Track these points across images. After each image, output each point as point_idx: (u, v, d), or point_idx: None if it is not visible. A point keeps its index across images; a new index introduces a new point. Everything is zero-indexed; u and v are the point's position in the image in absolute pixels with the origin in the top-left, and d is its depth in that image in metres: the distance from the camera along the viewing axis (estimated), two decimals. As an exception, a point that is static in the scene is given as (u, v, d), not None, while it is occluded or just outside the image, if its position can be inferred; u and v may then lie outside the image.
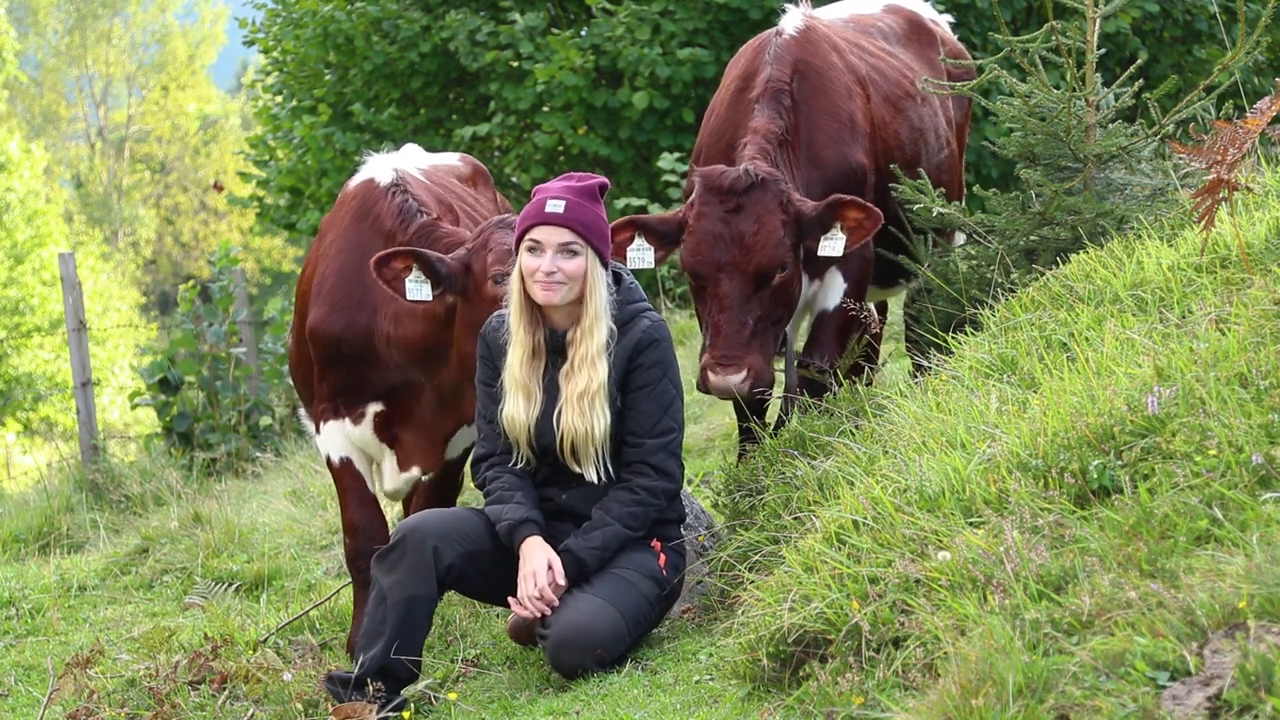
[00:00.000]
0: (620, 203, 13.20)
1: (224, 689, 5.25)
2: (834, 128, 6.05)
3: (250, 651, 5.62)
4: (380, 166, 5.75)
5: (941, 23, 7.27)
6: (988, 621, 3.42)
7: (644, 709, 4.40)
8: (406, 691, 4.89)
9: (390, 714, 4.76)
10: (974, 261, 6.09)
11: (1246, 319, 4.25)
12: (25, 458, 20.97)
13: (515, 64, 14.42)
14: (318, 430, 5.78)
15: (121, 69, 44.00)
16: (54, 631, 6.75)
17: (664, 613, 5.11)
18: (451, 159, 6.49)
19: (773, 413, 6.24)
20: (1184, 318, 4.60)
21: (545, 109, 14.38)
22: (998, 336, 5.16)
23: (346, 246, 5.63)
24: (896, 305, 8.60)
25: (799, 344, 6.22)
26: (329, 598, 6.32)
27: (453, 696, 4.91)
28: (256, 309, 15.18)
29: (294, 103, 15.96)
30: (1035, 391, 4.56)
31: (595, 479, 5.02)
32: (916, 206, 6.04)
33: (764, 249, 5.58)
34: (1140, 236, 5.39)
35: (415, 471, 5.70)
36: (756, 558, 4.80)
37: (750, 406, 5.92)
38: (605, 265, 4.97)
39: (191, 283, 13.08)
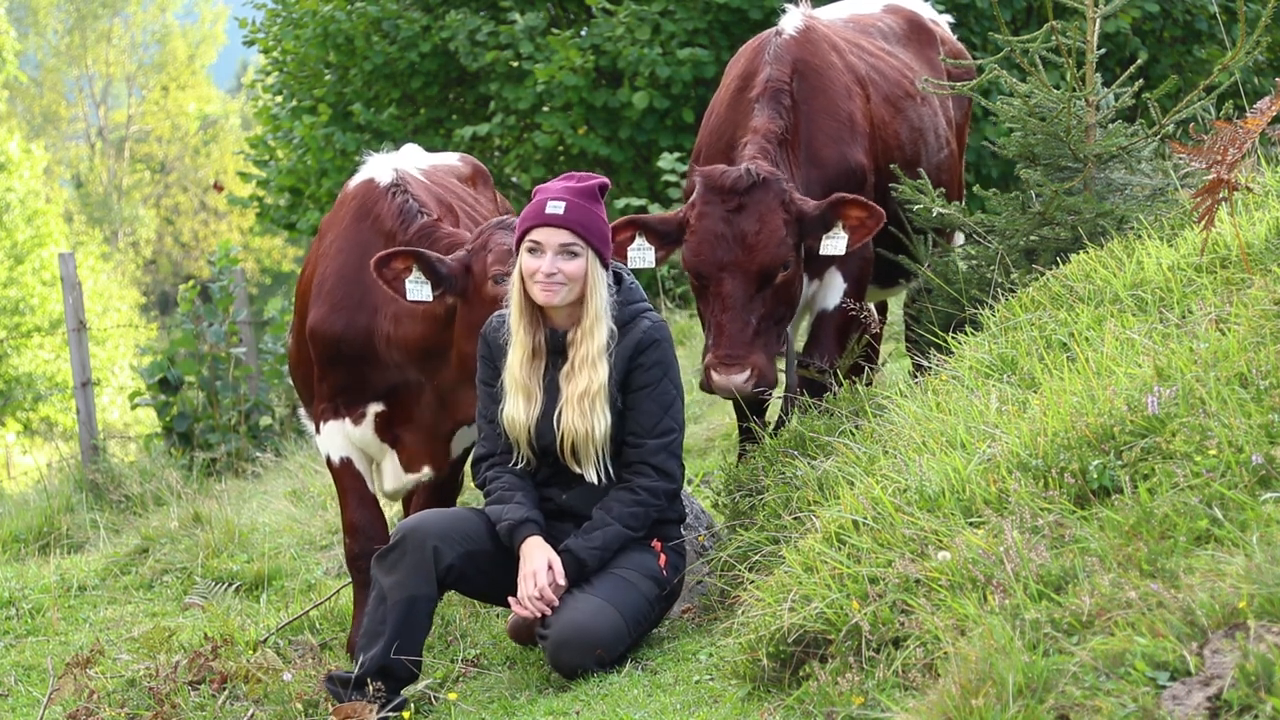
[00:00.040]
0: (620, 203, 13.20)
1: (224, 689, 5.24)
2: (833, 127, 6.05)
3: (250, 651, 5.62)
4: (380, 166, 5.74)
5: (941, 23, 7.27)
6: (988, 621, 3.42)
7: (644, 709, 4.40)
8: (406, 691, 4.89)
9: (390, 714, 4.76)
10: (974, 261, 6.09)
11: (1246, 319, 4.25)
12: (25, 458, 20.97)
13: (515, 64, 14.43)
14: (318, 430, 5.77)
15: (121, 69, 44.00)
16: (54, 631, 6.75)
17: (664, 613, 5.11)
18: (451, 159, 6.48)
19: (773, 413, 6.24)
20: (1184, 318, 4.60)
21: (545, 109, 14.38)
22: (998, 336, 5.16)
23: (346, 246, 5.63)
24: (896, 305, 8.60)
25: (799, 344, 6.22)
26: (329, 598, 6.32)
27: (453, 696, 4.91)
28: (256, 309, 15.18)
29: (294, 103, 15.97)
30: (1035, 391, 4.56)
31: (595, 480, 5.02)
32: (916, 206, 6.04)
33: (767, 248, 5.59)
34: (1140, 236, 5.39)
35: (427, 470, 5.71)
36: (756, 558, 4.80)
37: (750, 406, 5.92)
38: (606, 266, 4.97)
39: (191, 283, 13.08)
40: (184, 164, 44.17)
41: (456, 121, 15.26)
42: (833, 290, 6.05)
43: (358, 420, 5.67)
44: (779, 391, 6.09)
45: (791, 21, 6.26)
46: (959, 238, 6.56)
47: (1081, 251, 5.45)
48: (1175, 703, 3.04)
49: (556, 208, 4.87)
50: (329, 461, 5.77)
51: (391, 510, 6.98)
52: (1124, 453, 3.87)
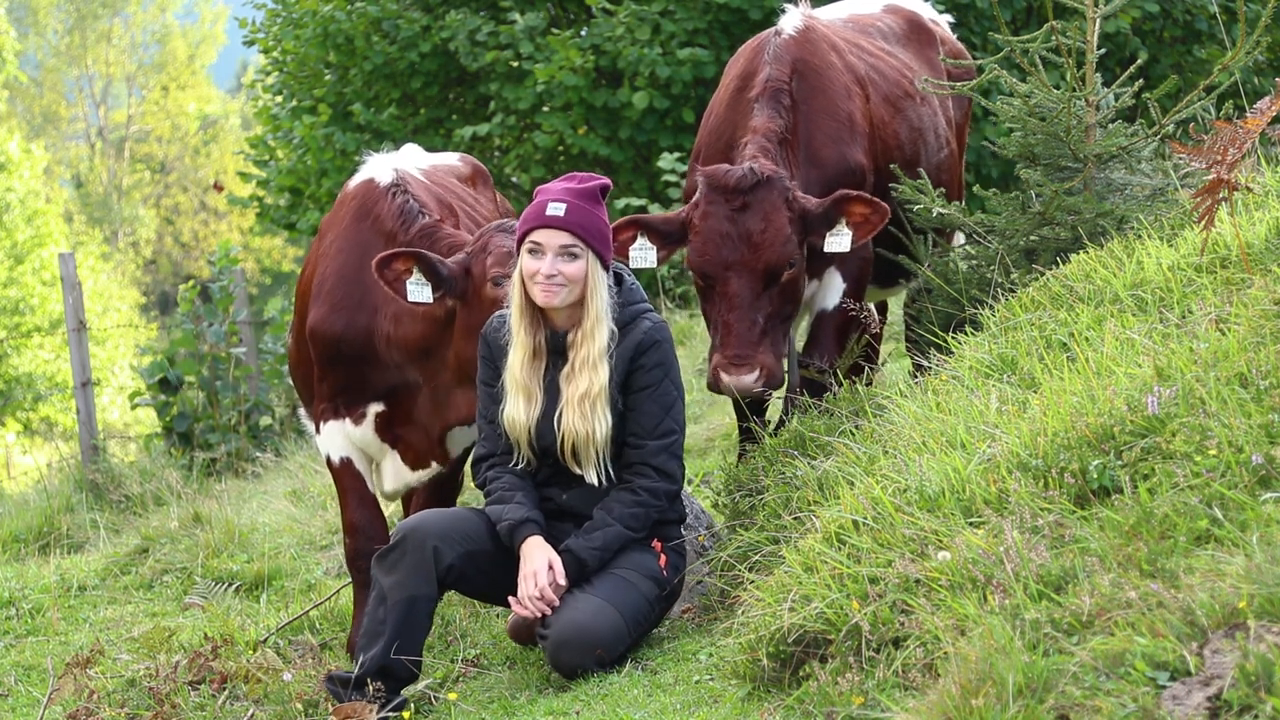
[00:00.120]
0: (620, 203, 13.20)
1: (224, 689, 5.24)
2: (833, 127, 6.05)
3: (250, 651, 5.62)
4: (380, 167, 5.74)
5: (941, 23, 7.27)
6: (988, 621, 3.42)
7: (644, 709, 4.40)
8: (406, 691, 4.89)
9: (390, 714, 4.76)
10: (974, 261, 6.09)
11: (1246, 319, 4.25)
12: (25, 458, 20.97)
13: (515, 64, 14.42)
14: (318, 430, 5.77)
15: (121, 69, 44.00)
16: (54, 631, 6.75)
17: (664, 613, 5.11)
18: (451, 159, 6.48)
19: (773, 413, 6.23)
20: (1184, 318, 4.60)
21: (545, 109, 14.38)
22: (998, 336, 5.16)
23: (347, 246, 5.63)
24: (896, 305, 8.60)
25: (799, 344, 6.22)
26: (329, 598, 6.32)
27: (453, 696, 4.91)
28: (256, 309, 15.17)
29: (294, 103, 15.96)
30: (1035, 391, 4.55)
31: (596, 481, 5.02)
32: (916, 207, 6.04)
33: (772, 246, 5.59)
34: (1140, 236, 5.39)
35: (435, 466, 5.72)
36: (756, 558, 4.80)
37: (750, 406, 5.92)
38: (606, 268, 4.97)
39: (191, 283, 13.08)
40: (184, 164, 44.18)
41: (456, 121, 15.26)
42: (832, 290, 6.05)
43: (358, 420, 5.67)
44: (780, 392, 6.09)
45: (791, 21, 6.26)
46: (959, 238, 6.56)
47: (1081, 251, 5.45)
48: (1175, 703, 3.04)
49: (557, 209, 4.87)
50: (329, 461, 5.77)
51: (390, 510, 6.98)
52: (1124, 453, 3.87)
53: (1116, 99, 6.02)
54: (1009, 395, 4.63)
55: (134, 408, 13.35)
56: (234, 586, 7.04)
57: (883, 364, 7.59)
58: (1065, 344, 4.83)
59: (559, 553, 4.93)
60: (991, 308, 5.42)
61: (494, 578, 5.01)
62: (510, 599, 4.93)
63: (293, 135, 15.91)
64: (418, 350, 5.50)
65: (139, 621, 6.73)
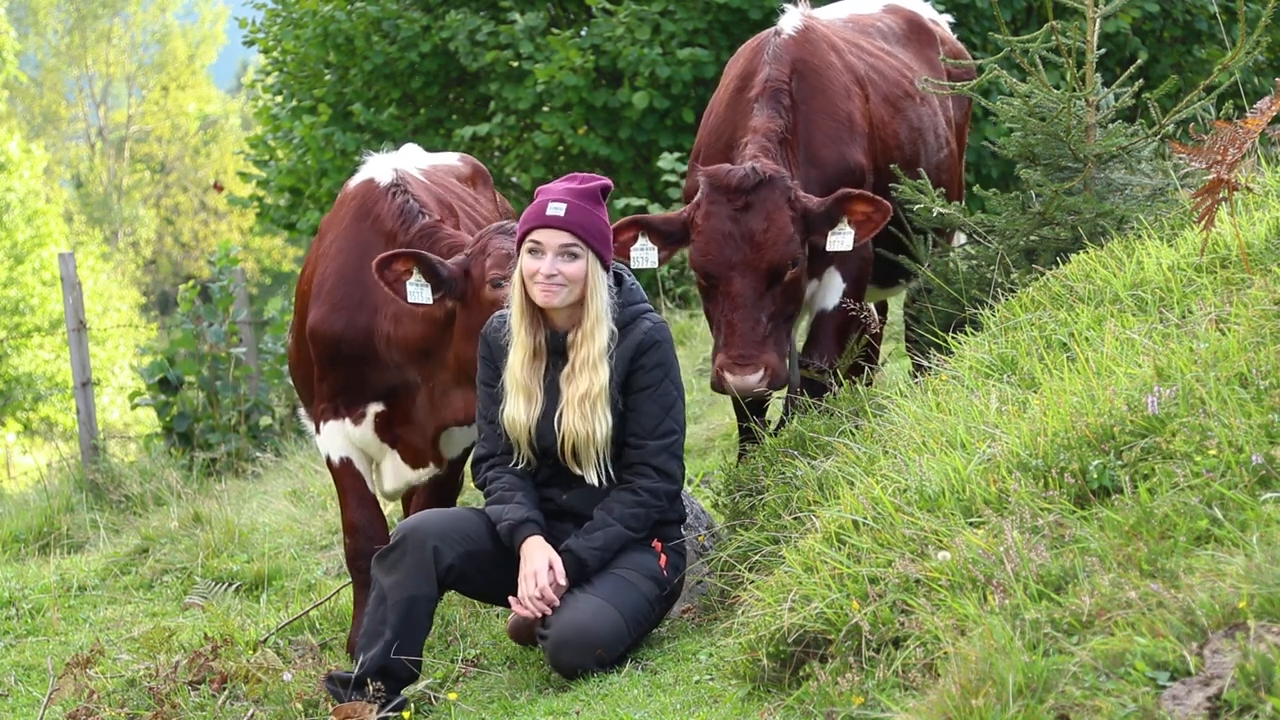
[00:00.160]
0: (620, 203, 13.20)
1: (224, 689, 5.24)
2: (832, 127, 6.05)
3: (250, 651, 5.62)
4: (380, 167, 5.74)
5: (941, 23, 7.27)
6: (988, 621, 3.42)
7: (644, 709, 4.40)
8: (406, 691, 4.89)
9: (390, 714, 4.76)
10: (974, 261, 6.08)
11: (1246, 319, 4.25)
12: (25, 458, 20.97)
13: (515, 64, 14.42)
14: (318, 430, 5.78)
15: (121, 69, 44.00)
16: (54, 631, 6.75)
17: (664, 613, 5.11)
18: (451, 159, 6.48)
19: (773, 412, 6.23)
20: (1184, 318, 4.60)
21: (545, 109, 14.38)
22: (998, 336, 5.16)
23: (347, 246, 5.63)
24: (896, 305, 8.60)
25: (798, 344, 6.22)
26: (329, 598, 6.32)
27: (453, 696, 4.91)
28: (256, 309, 15.17)
29: (294, 103, 15.96)
30: (1035, 391, 4.56)
31: (596, 482, 5.02)
32: (916, 206, 6.04)
33: (775, 246, 5.59)
34: (1140, 236, 5.39)
35: (433, 467, 5.72)
36: (756, 558, 4.80)
37: (750, 406, 5.92)
38: (606, 268, 4.97)
39: (191, 283, 13.08)
40: (184, 164, 44.17)
41: (456, 121, 15.26)
42: (832, 290, 6.05)
43: (358, 420, 5.67)
44: (780, 392, 6.09)
45: (790, 21, 6.25)
46: (959, 238, 6.56)
47: (1081, 251, 5.45)
48: (1175, 703, 3.04)
49: (557, 209, 4.88)
50: (329, 461, 5.77)
51: (390, 509, 6.98)
52: (1124, 453, 3.87)
53: (1116, 99, 6.02)
54: (1009, 395, 4.63)
55: (134, 408, 13.35)
56: (234, 586, 7.04)
57: (883, 364, 7.59)
58: (1065, 344, 4.83)
59: (559, 553, 4.93)
60: (991, 308, 5.42)
61: (494, 578, 5.01)
62: (510, 599, 4.94)
63: (293, 135, 15.91)
64: (417, 351, 5.50)
65: (139, 621, 6.73)
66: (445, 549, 4.90)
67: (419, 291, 5.27)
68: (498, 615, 5.73)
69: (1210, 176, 4.68)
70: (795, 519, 4.68)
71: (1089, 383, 4.29)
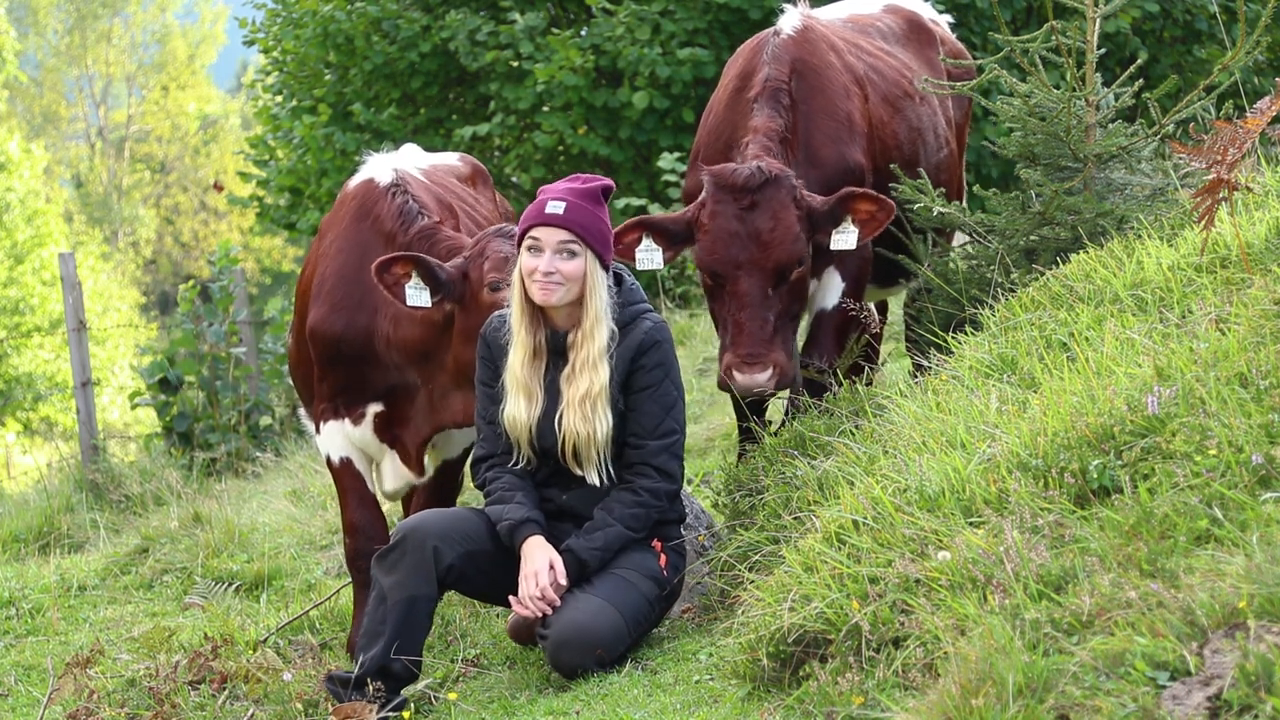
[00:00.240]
0: (620, 203, 13.20)
1: (224, 689, 5.25)
2: (831, 127, 6.05)
3: (250, 651, 5.62)
4: (380, 167, 5.74)
5: (941, 22, 7.27)
6: (988, 621, 3.42)
7: (644, 709, 4.40)
8: (406, 691, 4.89)
9: (390, 714, 4.76)
10: (974, 261, 6.08)
11: (1246, 319, 4.25)
12: (25, 458, 20.97)
13: (515, 64, 14.42)
14: (318, 430, 5.78)
15: (121, 69, 44.00)
16: (54, 631, 6.75)
17: (664, 613, 5.11)
18: (451, 159, 6.48)
19: (773, 412, 6.23)
20: (1184, 318, 4.60)
21: (545, 109, 14.38)
22: (998, 336, 5.16)
23: (346, 247, 5.63)
24: (896, 305, 8.60)
25: (799, 344, 6.22)
26: (329, 598, 6.32)
27: (453, 696, 4.91)
28: (256, 309, 15.17)
29: (294, 103, 15.96)
30: (1035, 391, 4.55)
31: (598, 482, 5.02)
32: (916, 206, 6.04)
33: (782, 244, 5.59)
34: (1140, 236, 5.39)
35: (430, 467, 5.72)
36: (756, 558, 4.80)
37: (750, 406, 5.92)
38: (606, 268, 4.97)
39: (191, 283, 13.08)
40: (184, 164, 44.17)
41: (456, 121, 15.26)
42: (831, 290, 6.05)
43: (357, 420, 5.67)
44: (781, 392, 6.09)
45: (790, 21, 6.25)
46: (959, 237, 6.56)
47: (1081, 251, 5.45)
48: (1175, 703, 3.04)
49: (556, 207, 4.89)
50: (329, 461, 5.77)
51: (388, 509, 6.98)
52: (1124, 453, 3.87)
53: (1116, 99, 6.02)
54: (1009, 395, 4.63)
55: (134, 408, 13.35)
56: (234, 586, 7.04)
57: (883, 364, 7.59)
58: (1065, 344, 4.83)
59: (559, 552, 4.93)
60: (991, 308, 5.42)
61: (494, 578, 5.02)
62: (511, 599, 4.94)
63: (293, 135, 15.91)
64: (416, 353, 5.50)
65: (139, 621, 6.73)
66: (445, 549, 4.90)
67: (418, 295, 5.27)
68: (498, 615, 5.73)
69: (1210, 176, 4.68)
70: (795, 519, 4.68)
71: (1089, 383, 4.29)
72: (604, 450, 4.99)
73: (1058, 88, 5.94)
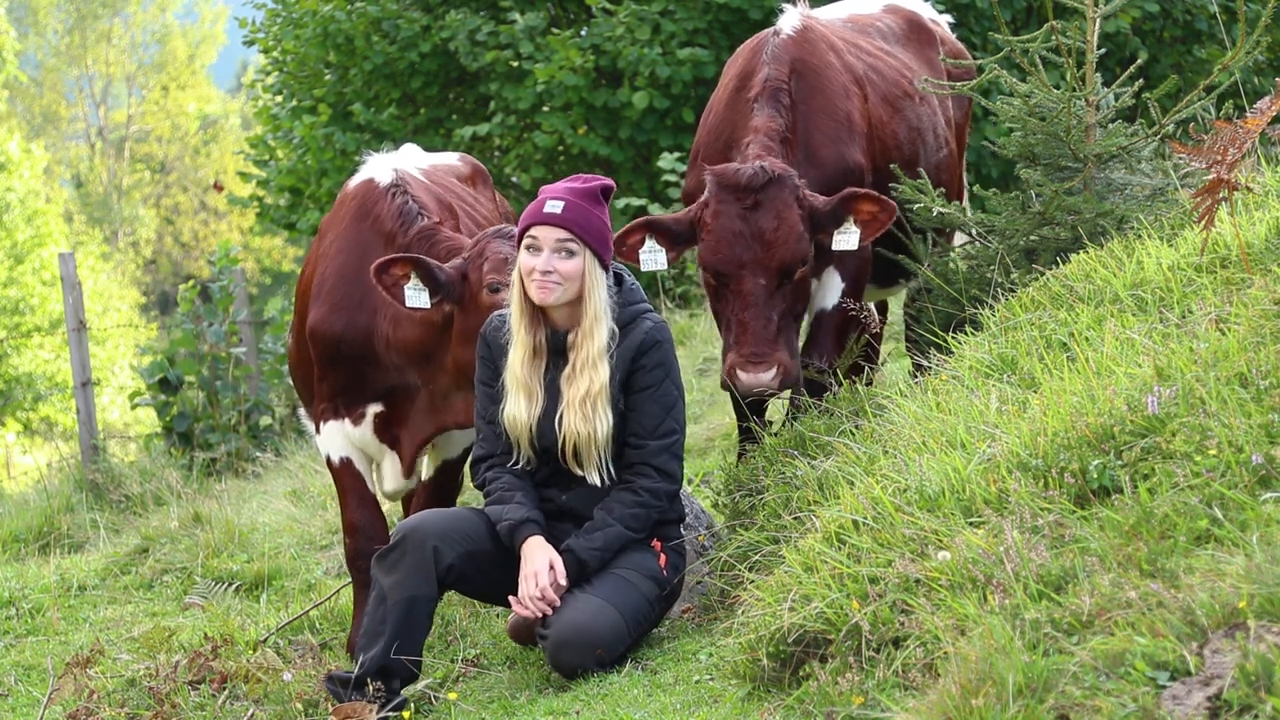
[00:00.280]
0: (621, 203, 13.20)
1: (224, 689, 5.25)
2: (831, 127, 6.05)
3: (250, 651, 5.62)
4: (380, 167, 5.74)
5: (941, 22, 7.27)
6: (988, 621, 3.42)
7: (644, 709, 4.40)
8: (406, 691, 4.89)
9: (390, 714, 4.76)
10: (974, 261, 6.09)
11: (1246, 319, 4.25)
12: (25, 458, 20.97)
13: (515, 64, 14.42)
14: (318, 430, 5.78)
15: (121, 69, 43.99)
16: (54, 631, 6.75)
17: (664, 613, 5.11)
18: (451, 159, 6.48)
19: (773, 413, 6.23)
20: (1184, 318, 4.60)
21: (545, 109, 14.38)
22: (998, 336, 5.16)
23: (346, 247, 5.63)
24: (896, 305, 8.60)
25: (798, 344, 6.22)
26: (329, 598, 6.32)
27: (453, 696, 4.91)
28: (256, 309, 15.17)
29: (294, 103, 15.96)
30: (1035, 391, 4.56)
31: (597, 482, 5.02)
32: (916, 206, 6.04)
33: (786, 244, 5.59)
34: (1140, 236, 5.39)
35: (428, 467, 5.72)
36: (756, 558, 4.80)
37: (750, 406, 5.92)
38: (605, 268, 4.97)
39: (191, 283, 13.08)
40: (184, 164, 44.18)
41: (456, 121, 15.26)
42: (831, 290, 6.05)
43: (357, 420, 5.67)
44: (783, 392, 6.09)
45: (789, 21, 6.25)
46: (959, 237, 6.56)
47: (1081, 251, 5.45)
48: (1175, 703, 3.04)
49: (555, 206, 4.89)
50: (329, 461, 5.77)
51: (388, 509, 6.98)
52: (1124, 453, 3.87)
53: (1116, 99, 6.02)
54: (1009, 395, 4.63)
55: (134, 408, 13.35)
56: (234, 586, 7.04)
57: (883, 364, 7.59)
58: (1065, 344, 4.83)
59: (559, 552, 4.93)
60: (991, 308, 5.42)
61: (494, 578, 5.02)
62: (511, 599, 4.94)
63: (293, 135, 15.91)
64: (416, 354, 5.50)
65: (139, 621, 6.73)
66: (445, 549, 4.90)
67: (417, 296, 5.27)
68: (498, 615, 5.73)
69: (1210, 176, 4.68)
70: (795, 519, 4.68)
71: (1089, 383, 4.29)
72: (604, 450, 4.99)
73: (1058, 88, 5.94)
